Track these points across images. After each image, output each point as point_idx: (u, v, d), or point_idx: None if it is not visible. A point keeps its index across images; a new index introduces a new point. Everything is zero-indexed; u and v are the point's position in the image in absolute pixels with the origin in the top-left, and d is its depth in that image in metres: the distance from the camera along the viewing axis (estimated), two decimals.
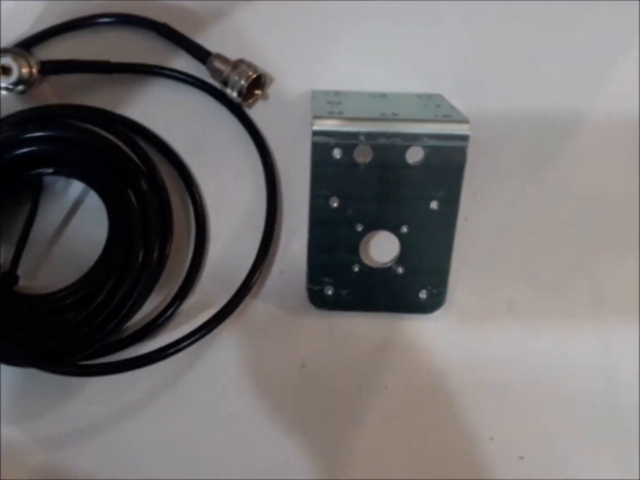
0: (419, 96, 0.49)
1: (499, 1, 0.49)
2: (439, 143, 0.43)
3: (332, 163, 0.44)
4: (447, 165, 0.44)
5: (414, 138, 0.43)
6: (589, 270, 0.51)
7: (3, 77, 0.46)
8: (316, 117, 0.44)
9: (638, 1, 0.49)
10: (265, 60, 0.49)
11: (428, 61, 0.49)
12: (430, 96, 0.49)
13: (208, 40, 0.49)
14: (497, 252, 0.50)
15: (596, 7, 0.49)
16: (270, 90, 0.50)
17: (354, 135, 0.43)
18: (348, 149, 0.44)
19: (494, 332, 0.51)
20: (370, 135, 0.43)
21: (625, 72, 0.50)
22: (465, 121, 0.43)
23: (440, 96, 0.49)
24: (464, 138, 0.43)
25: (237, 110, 0.50)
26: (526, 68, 0.49)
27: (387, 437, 0.51)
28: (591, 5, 0.49)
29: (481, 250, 0.50)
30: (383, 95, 0.49)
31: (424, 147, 0.44)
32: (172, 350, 0.47)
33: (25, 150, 0.45)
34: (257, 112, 0.50)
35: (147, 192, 0.46)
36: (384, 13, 0.49)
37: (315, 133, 0.44)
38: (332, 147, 0.44)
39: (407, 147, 0.44)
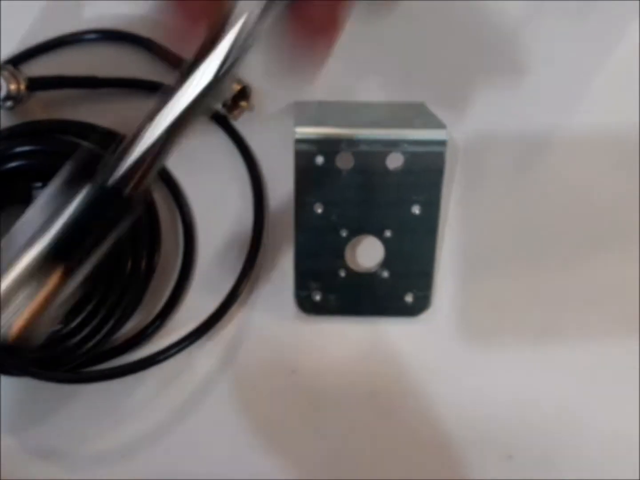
0: (401, 105, 0.50)
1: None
2: (418, 149, 0.44)
3: (315, 170, 0.45)
4: (426, 170, 0.45)
5: (393, 144, 0.44)
6: (576, 275, 0.51)
7: None
8: (298, 126, 0.45)
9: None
10: (250, 72, 0.50)
11: (413, 71, 0.51)
12: (412, 105, 0.50)
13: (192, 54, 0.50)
14: (483, 258, 0.51)
15: (584, 17, 0.50)
16: (256, 101, 0.51)
17: (336, 142, 0.44)
18: (330, 156, 0.45)
19: (479, 334, 0.51)
20: (351, 143, 0.44)
21: (615, 80, 0.51)
22: (442, 127, 0.44)
23: (422, 105, 0.50)
24: (442, 143, 0.44)
25: (223, 122, 0.51)
26: (508, 77, 0.51)
27: (376, 440, 0.52)
28: (581, 13, 0.50)
29: (467, 256, 0.51)
30: (366, 105, 0.50)
31: (403, 153, 0.45)
32: (162, 357, 0.48)
33: (14, 164, 0.46)
34: (243, 124, 0.51)
35: None
36: (369, 23, 0.50)
37: (298, 141, 0.45)
38: (314, 155, 0.45)
39: (387, 153, 0.45)
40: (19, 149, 0.46)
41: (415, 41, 0.50)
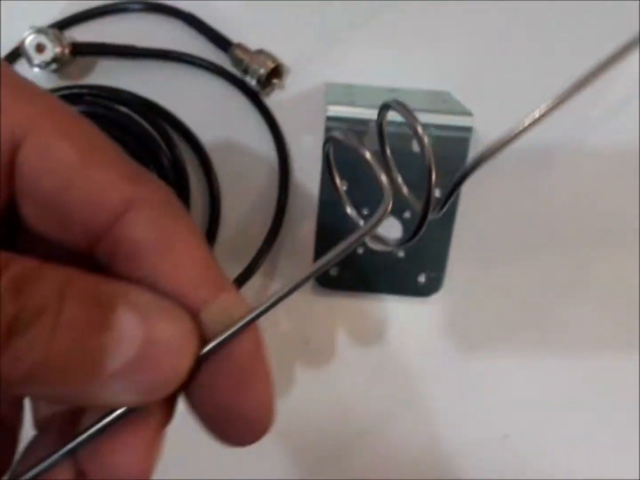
0: (427, 92, 0.52)
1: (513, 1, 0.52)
2: (444, 133, 0.46)
3: (343, 148, 0.47)
4: (450, 155, 0.47)
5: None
6: (587, 263, 0.53)
7: (37, 55, 0.49)
8: (330, 103, 0.46)
9: None
10: (283, 52, 0.52)
11: (438, 60, 0.52)
12: (438, 93, 0.52)
13: (230, 31, 0.52)
14: (494, 244, 0.53)
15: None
16: (287, 81, 0.53)
17: (365, 122, 0.46)
18: (359, 135, 0.47)
19: (487, 317, 0.53)
20: None
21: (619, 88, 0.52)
22: (468, 114, 0.46)
23: (448, 93, 0.52)
24: (467, 129, 0.46)
25: (255, 98, 0.53)
26: (534, 68, 0.52)
27: (382, 412, 0.54)
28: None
29: (480, 242, 0.53)
30: (393, 90, 0.52)
31: (429, 136, 0.46)
32: None
33: None
34: (273, 101, 0.53)
35: (168, 171, 0.49)
36: (400, 10, 0.51)
37: (329, 119, 0.46)
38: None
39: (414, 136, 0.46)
40: None
41: (443, 29, 0.52)
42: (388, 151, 0.36)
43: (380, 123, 0.34)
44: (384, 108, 0.33)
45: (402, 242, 0.34)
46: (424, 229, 0.33)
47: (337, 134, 0.30)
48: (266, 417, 0.25)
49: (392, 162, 0.37)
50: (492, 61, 0.52)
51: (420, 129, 0.31)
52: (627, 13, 0.50)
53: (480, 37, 0.52)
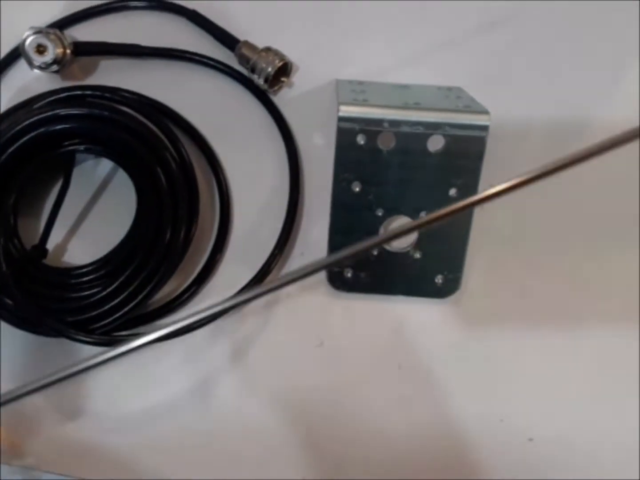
0: (440, 88, 0.50)
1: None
2: (460, 132, 0.45)
3: (356, 148, 0.46)
4: (466, 154, 0.46)
5: (436, 127, 0.45)
6: (601, 260, 0.52)
7: (37, 56, 0.48)
8: (342, 103, 0.45)
9: None
10: (291, 49, 0.51)
11: (449, 55, 0.51)
12: (450, 89, 0.50)
13: (236, 28, 0.51)
14: (511, 241, 0.52)
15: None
16: (295, 78, 0.51)
17: (378, 122, 0.45)
18: (372, 136, 0.45)
19: (505, 317, 0.52)
20: (393, 123, 0.45)
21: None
22: (485, 112, 0.45)
23: (460, 89, 0.50)
24: (484, 128, 0.45)
25: (263, 97, 0.51)
26: (544, 63, 0.51)
27: (398, 415, 0.53)
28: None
29: (496, 239, 0.52)
30: (405, 87, 0.51)
31: (444, 135, 0.45)
32: (193, 326, 0.49)
33: (59, 126, 0.46)
34: (281, 99, 0.51)
35: (176, 172, 0.48)
36: (408, 7, 0.50)
37: (341, 119, 0.45)
38: (356, 133, 0.45)
39: (429, 135, 0.45)
40: (63, 112, 0.47)
41: (453, 24, 0.50)
42: None
43: None
44: None
45: None
46: None
47: None
48: None
49: None
50: (501, 58, 0.50)
51: None
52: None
53: (490, 35, 0.51)
